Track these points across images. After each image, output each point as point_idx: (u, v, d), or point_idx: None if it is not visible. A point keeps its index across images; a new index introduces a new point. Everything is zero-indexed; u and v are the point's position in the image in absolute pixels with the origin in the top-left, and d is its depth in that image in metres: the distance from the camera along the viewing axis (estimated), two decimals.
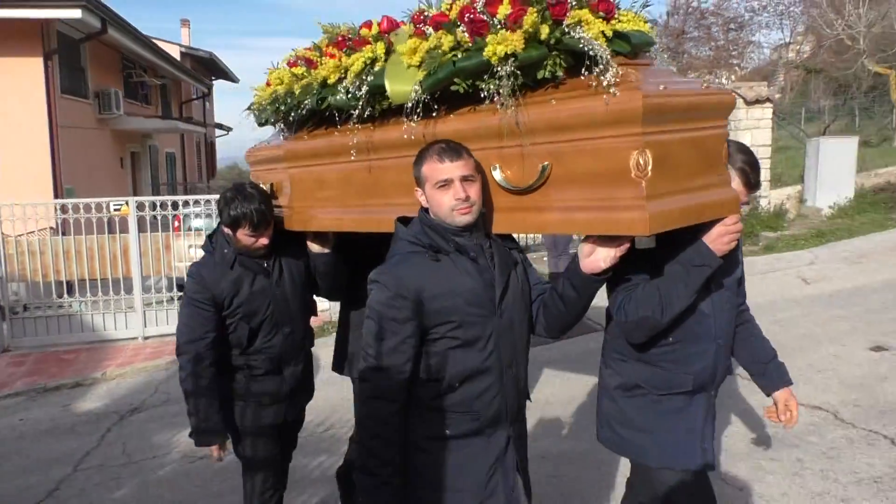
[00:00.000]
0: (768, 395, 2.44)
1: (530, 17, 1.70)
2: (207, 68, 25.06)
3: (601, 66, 1.62)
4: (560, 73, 1.76)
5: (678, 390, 2.19)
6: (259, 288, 2.72)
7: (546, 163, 1.79)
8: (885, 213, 11.54)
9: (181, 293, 3.08)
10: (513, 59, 1.75)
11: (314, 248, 2.74)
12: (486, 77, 1.79)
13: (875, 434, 4.23)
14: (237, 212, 2.57)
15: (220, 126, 27.49)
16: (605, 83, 1.62)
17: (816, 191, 12.13)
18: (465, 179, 1.86)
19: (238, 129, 24.23)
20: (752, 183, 2.12)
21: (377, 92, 2.11)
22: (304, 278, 2.85)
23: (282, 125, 2.77)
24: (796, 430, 4.11)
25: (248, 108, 2.93)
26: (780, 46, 25.89)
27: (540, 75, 1.78)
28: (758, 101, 11.28)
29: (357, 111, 2.17)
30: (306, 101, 2.39)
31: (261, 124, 2.91)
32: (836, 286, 7.95)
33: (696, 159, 1.81)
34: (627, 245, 1.78)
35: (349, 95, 2.19)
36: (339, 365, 3.14)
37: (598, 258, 1.80)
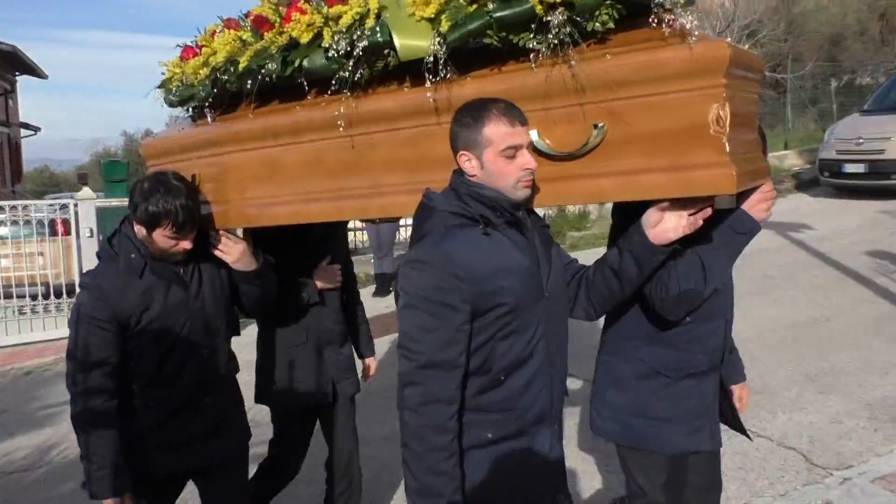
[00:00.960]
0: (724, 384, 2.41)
1: None
2: (10, 63, 22.67)
3: (673, 14, 1.49)
4: (611, 24, 1.58)
5: (693, 370, 2.10)
6: (175, 301, 2.22)
7: (601, 123, 1.61)
8: None
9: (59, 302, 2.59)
10: (563, 6, 1.55)
11: (234, 257, 2.30)
12: (531, 28, 1.58)
13: None
14: (158, 207, 2.09)
15: (27, 125, 24.74)
16: (680, 32, 1.49)
17: None
18: (529, 147, 1.64)
19: (47, 128, 22.04)
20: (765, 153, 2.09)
21: (376, 50, 1.80)
22: (226, 289, 2.38)
23: (203, 106, 2.33)
24: None
25: (162, 87, 2.46)
26: None
27: (590, 27, 1.58)
28: None
29: (347, 75, 1.84)
30: (267, 68, 2.00)
31: (175, 104, 2.45)
32: None
33: (749, 120, 1.73)
34: (710, 210, 1.64)
35: (334, 56, 1.86)
36: (265, 395, 2.74)
37: (668, 227, 1.65)
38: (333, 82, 1.89)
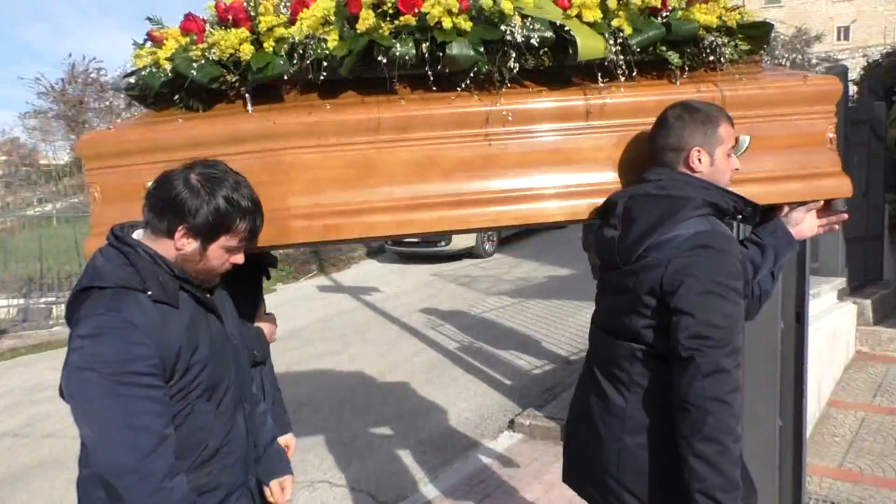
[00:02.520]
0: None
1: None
2: None
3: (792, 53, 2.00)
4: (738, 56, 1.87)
5: None
6: (219, 337, 1.68)
7: (747, 136, 1.86)
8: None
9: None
10: (720, 32, 1.81)
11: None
12: (687, 46, 1.80)
13: None
14: (231, 205, 1.56)
15: None
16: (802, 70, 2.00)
17: None
18: None
19: None
20: None
21: (552, 46, 1.74)
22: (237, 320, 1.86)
23: (226, 91, 1.82)
24: None
25: (165, 69, 1.83)
26: None
27: (729, 53, 1.84)
28: None
29: (486, 69, 1.72)
30: (395, 50, 1.68)
31: (147, 98, 1.88)
32: None
33: None
34: (845, 216, 1.96)
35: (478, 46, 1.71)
36: None
37: (806, 227, 1.93)
38: (467, 75, 1.74)
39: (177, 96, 1.80)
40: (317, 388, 6.12)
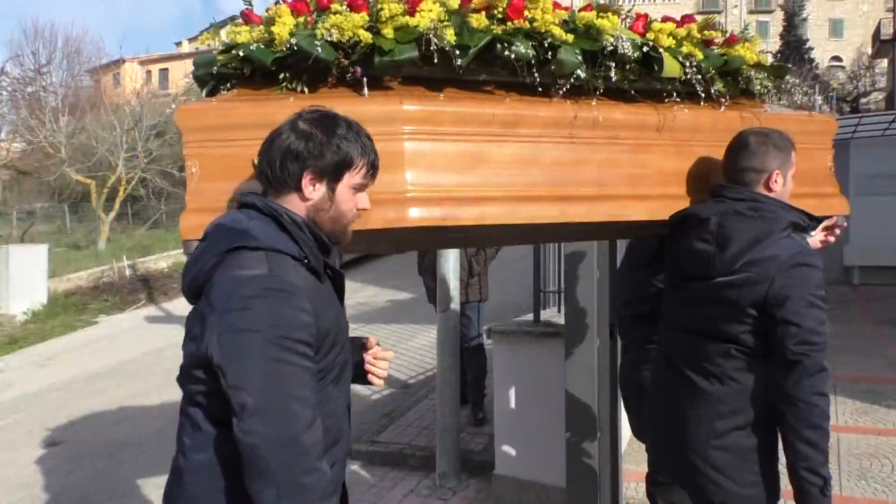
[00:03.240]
0: None
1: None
2: None
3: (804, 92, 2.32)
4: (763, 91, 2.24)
5: None
6: (342, 317, 1.64)
7: None
8: (76, 315, 12.56)
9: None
10: (756, 68, 2.19)
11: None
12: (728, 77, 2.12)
13: None
14: (349, 142, 1.55)
15: None
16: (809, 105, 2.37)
17: (9, 298, 12.53)
18: None
19: None
20: None
21: (644, 62, 1.99)
22: None
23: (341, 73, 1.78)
24: None
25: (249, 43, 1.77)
26: None
27: (757, 88, 2.21)
28: None
29: (584, 76, 1.91)
30: (514, 49, 1.80)
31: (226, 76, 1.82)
32: (19, 391, 8.09)
33: None
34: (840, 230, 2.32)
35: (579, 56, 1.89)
36: None
37: (817, 240, 2.27)
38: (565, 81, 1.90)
39: (283, 75, 1.76)
40: (140, 428, 5.75)
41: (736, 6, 43.01)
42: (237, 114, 1.71)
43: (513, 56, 1.79)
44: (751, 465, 1.92)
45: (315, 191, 1.54)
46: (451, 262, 3.71)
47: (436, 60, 1.76)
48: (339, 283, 1.63)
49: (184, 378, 1.52)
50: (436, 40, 1.72)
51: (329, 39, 1.70)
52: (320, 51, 1.69)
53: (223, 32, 1.83)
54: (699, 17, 2.19)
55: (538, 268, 4.33)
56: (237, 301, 1.38)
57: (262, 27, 1.76)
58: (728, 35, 2.16)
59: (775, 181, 2.00)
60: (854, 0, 40.41)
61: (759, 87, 2.19)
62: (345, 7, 1.76)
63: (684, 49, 2.03)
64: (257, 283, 1.40)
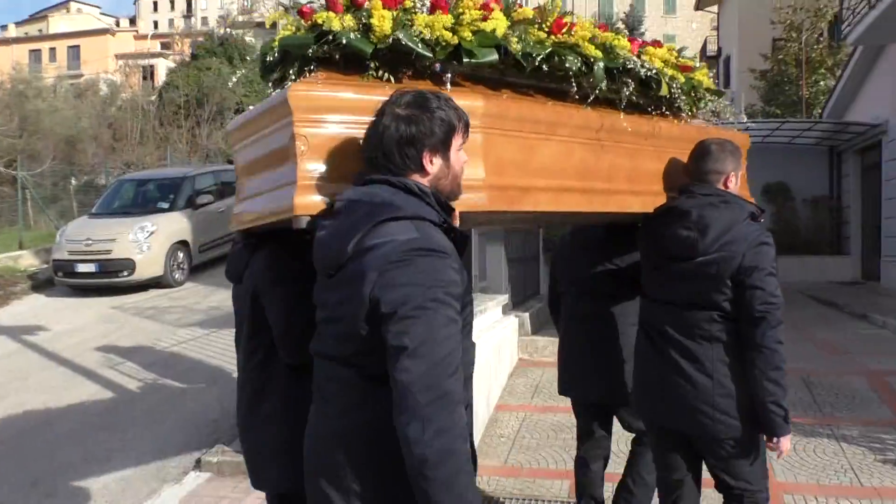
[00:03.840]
0: None
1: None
2: None
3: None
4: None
5: None
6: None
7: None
8: None
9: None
10: (707, 91, 2.70)
11: None
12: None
13: None
14: (445, 108, 1.71)
15: None
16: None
17: None
18: None
19: None
20: None
21: (655, 81, 2.45)
22: None
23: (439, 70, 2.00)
24: None
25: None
26: None
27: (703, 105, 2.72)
28: None
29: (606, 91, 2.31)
30: (570, 60, 2.17)
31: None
32: None
33: None
34: None
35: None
36: None
37: None
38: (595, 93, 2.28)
39: (373, 64, 1.90)
40: None
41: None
42: (341, 97, 1.83)
43: (567, 66, 2.11)
44: (745, 407, 2.39)
45: (433, 164, 1.70)
46: None
47: (501, 64, 2.03)
48: (462, 245, 1.75)
49: (334, 344, 1.66)
50: (508, 46, 1.99)
51: (423, 37, 1.88)
52: (420, 47, 1.87)
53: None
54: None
55: None
56: (398, 260, 1.54)
57: (349, 16, 1.86)
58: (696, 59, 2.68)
59: (731, 180, 2.50)
60: (685, 17, 44.06)
61: (703, 105, 2.69)
62: (425, 5, 1.93)
63: (669, 72, 2.46)
64: (414, 244, 1.56)
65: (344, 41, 1.82)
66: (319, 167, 1.78)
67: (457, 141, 1.73)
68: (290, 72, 1.92)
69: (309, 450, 1.76)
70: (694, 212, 2.41)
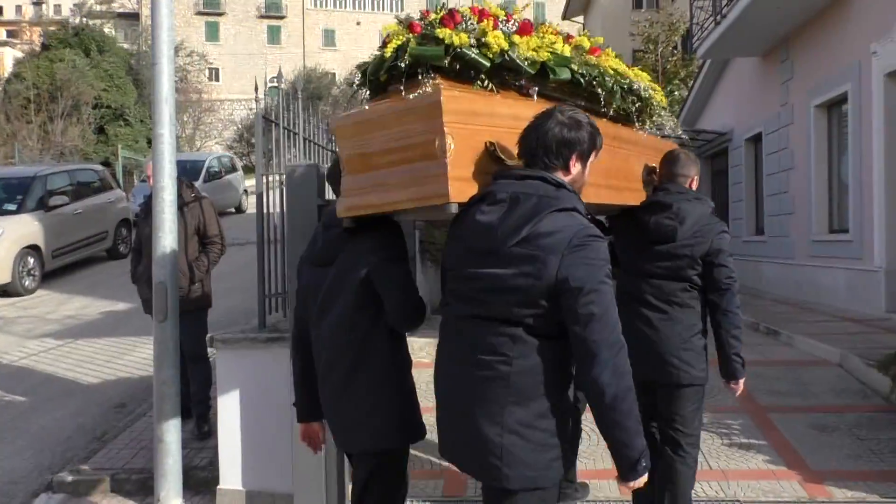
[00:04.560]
0: None
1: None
2: None
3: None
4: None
5: None
6: None
7: None
8: None
9: None
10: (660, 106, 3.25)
11: None
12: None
13: None
14: (594, 127, 2.14)
15: None
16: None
17: None
18: None
19: None
20: None
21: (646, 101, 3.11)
22: None
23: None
24: None
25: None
26: None
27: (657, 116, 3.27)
28: None
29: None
30: (601, 79, 2.71)
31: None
32: None
33: None
34: None
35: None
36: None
37: None
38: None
39: (481, 76, 2.20)
40: None
41: None
42: (476, 103, 2.15)
43: (604, 85, 2.63)
44: (703, 358, 3.06)
45: (575, 167, 2.07)
46: (167, 267, 3.45)
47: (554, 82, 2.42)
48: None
49: (503, 308, 1.96)
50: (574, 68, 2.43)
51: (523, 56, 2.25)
52: (526, 65, 2.24)
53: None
54: None
55: (262, 272, 4.22)
56: (579, 244, 1.90)
57: (465, 34, 2.14)
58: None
59: (694, 182, 3.14)
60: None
61: (657, 117, 3.23)
62: (513, 28, 2.30)
63: (656, 97, 3.12)
64: (587, 231, 1.93)
65: (466, 55, 2.12)
66: (464, 162, 2.07)
67: (594, 155, 2.13)
68: (400, 78, 2.18)
69: (457, 392, 2.07)
70: (674, 205, 3.00)
